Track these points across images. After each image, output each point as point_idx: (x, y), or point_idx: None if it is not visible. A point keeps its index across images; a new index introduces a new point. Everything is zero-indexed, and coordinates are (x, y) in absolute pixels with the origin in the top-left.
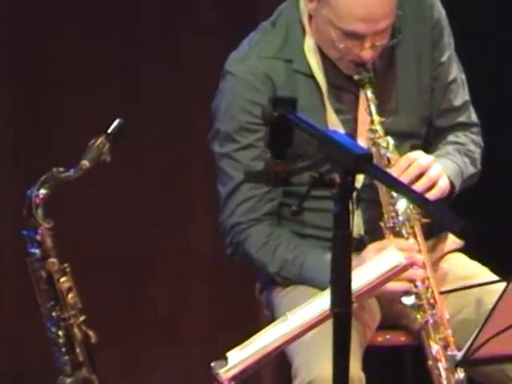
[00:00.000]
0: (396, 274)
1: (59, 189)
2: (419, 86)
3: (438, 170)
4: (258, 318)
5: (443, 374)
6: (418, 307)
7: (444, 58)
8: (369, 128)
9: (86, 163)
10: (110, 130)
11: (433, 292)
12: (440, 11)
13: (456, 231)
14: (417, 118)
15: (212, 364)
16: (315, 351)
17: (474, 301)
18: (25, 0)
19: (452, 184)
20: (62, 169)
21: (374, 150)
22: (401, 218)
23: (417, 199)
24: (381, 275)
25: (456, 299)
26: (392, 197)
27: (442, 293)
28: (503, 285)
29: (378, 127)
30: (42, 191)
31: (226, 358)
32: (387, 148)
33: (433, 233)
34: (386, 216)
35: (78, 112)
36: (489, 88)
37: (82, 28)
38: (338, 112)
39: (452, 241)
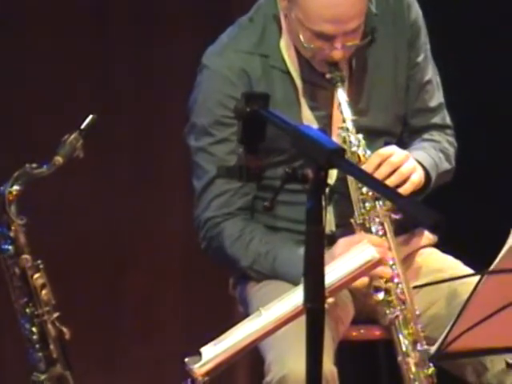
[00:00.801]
0: (369, 268)
1: (32, 185)
2: (395, 84)
3: (410, 166)
4: (232, 313)
5: (412, 369)
6: (387, 302)
7: (420, 59)
8: (340, 126)
9: (59, 159)
10: (83, 126)
11: (403, 288)
12: (417, 11)
13: (428, 225)
14: (391, 116)
15: (186, 359)
16: (288, 346)
17: (448, 293)
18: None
19: (428, 176)
20: (34, 165)
21: (345, 147)
22: (371, 215)
23: (388, 194)
24: (354, 270)
25: (429, 292)
26: (362, 193)
27: (414, 287)
28: (476, 277)
29: (349, 125)
30: (15, 187)
31: (199, 354)
32: (358, 145)
33: (407, 228)
34: (356, 213)
35: (49, 110)
36: (462, 89)
37: (54, 27)
38: (312, 108)
39: (426, 236)
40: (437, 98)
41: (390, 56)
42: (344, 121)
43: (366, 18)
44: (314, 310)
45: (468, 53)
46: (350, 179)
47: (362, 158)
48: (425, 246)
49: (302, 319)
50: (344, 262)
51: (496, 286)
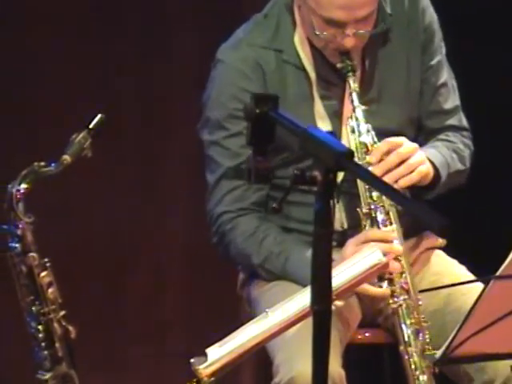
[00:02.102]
0: (376, 271)
1: (40, 183)
2: (408, 87)
3: (419, 158)
4: (233, 312)
5: (414, 357)
6: (391, 292)
7: (433, 62)
8: (350, 115)
9: (67, 158)
10: (91, 125)
11: (406, 277)
12: (432, 16)
13: (435, 228)
14: (404, 118)
15: (191, 360)
16: (296, 348)
17: (444, 297)
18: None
19: (437, 172)
20: (42, 163)
21: (353, 136)
22: (377, 205)
23: (396, 197)
24: (361, 273)
25: (427, 296)
26: None
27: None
28: (477, 284)
29: (359, 114)
30: (23, 186)
31: (205, 354)
32: (367, 135)
33: (416, 230)
34: (362, 202)
35: (50, 110)
36: (466, 91)
37: (54, 27)
38: (325, 103)
39: (435, 239)
40: (452, 100)
41: (402, 57)
42: (354, 110)
43: (381, 16)
44: (321, 312)
45: (472, 54)
46: None
47: (370, 148)
48: (433, 248)
49: (311, 320)
50: (351, 264)
51: (503, 292)
